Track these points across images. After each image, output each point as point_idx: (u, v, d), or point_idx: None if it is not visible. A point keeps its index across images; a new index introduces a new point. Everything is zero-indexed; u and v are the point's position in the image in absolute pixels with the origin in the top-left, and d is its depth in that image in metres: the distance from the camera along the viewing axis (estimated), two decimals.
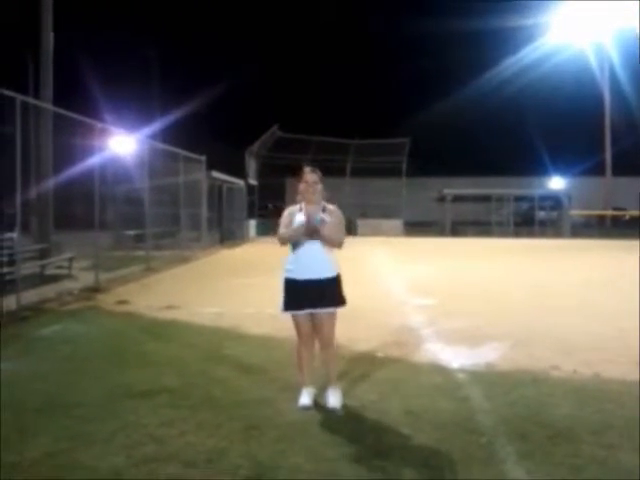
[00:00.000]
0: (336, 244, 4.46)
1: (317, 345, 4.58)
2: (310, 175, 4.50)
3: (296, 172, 4.54)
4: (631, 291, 10.66)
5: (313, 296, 4.39)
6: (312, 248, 4.42)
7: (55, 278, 11.26)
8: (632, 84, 37.66)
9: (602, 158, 36.95)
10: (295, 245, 4.46)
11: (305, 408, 4.34)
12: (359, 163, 35.10)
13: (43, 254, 11.72)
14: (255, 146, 32.52)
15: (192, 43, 46.36)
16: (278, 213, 4.89)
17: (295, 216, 4.47)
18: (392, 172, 35.09)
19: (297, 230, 4.39)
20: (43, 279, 10.79)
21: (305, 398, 4.42)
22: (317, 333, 4.49)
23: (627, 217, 36.76)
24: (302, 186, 4.50)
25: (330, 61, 50.96)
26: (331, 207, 4.55)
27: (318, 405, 4.41)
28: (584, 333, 7.00)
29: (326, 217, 4.44)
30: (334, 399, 4.42)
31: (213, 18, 49.33)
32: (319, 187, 4.52)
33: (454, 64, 46.53)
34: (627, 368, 5.47)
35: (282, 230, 4.47)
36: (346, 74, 51.66)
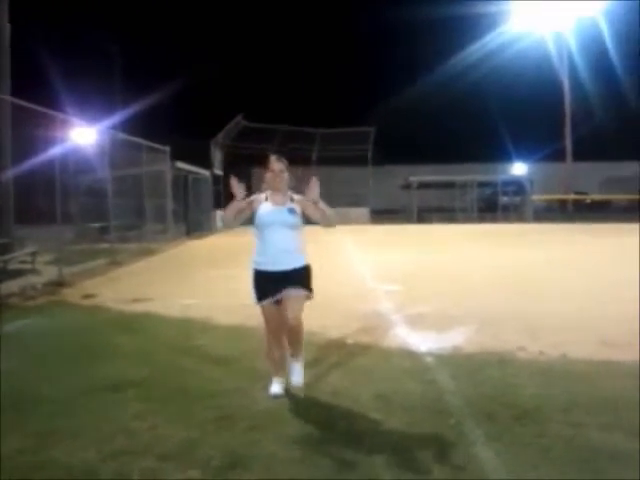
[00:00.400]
0: (332, 221, 4.49)
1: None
2: (277, 164, 4.46)
3: (262, 161, 4.51)
4: (594, 272, 10.94)
5: (280, 283, 4.34)
6: (280, 237, 4.36)
7: (18, 273, 11.04)
8: (590, 72, 38.41)
9: (563, 144, 37.59)
10: (261, 235, 4.39)
11: (276, 396, 4.35)
12: (325, 152, 35.13)
13: (5, 249, 11.47)
14: (220, 136, 32.26)
15: (154, 34, 45.58)
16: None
17: (260, 205, 4.41)
18: (358, 160, 35.23)
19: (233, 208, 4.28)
20: (6, 274, 10.57)
21: (276, 387, 4.43)
22: (285, 315, 4.38)
23: (588, 201, 37.58)
24: (269, 175, 4.45)
25: (294, 50, 50.67)
26: (297, 197, 4.50)
27: (289, 394, 4.42)
28: (549, 315, 7.15)
29: (296, 207, 4.41)
30: (297, 376, 4.51)
31: (175, 8, 48.58)
32: (285, 175, 4.47)
33: (418, 51, 46.70)
34: (593, 348, 5.61)
35: (230, 207, 4.32)
36: (310, 62, 51.49)
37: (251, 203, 4.43)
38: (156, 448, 3.51)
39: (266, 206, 4.40)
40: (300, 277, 4.40)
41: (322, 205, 4.35)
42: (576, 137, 37.77)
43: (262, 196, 4.49)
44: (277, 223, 4.37)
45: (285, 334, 4.52)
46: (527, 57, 38.47)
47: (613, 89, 39.35)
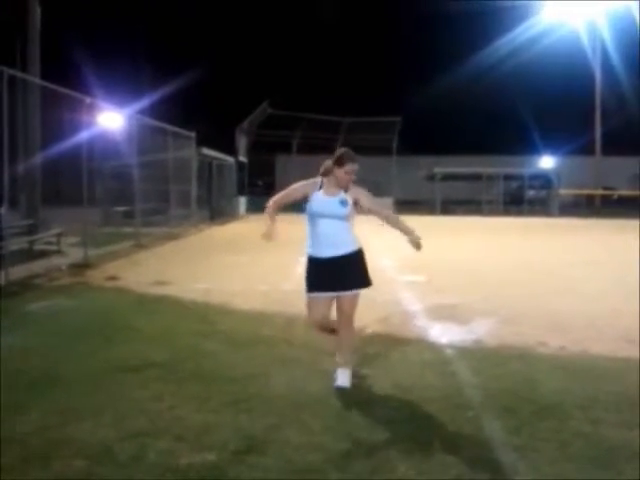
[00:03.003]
0: (384, 214, 4.49)
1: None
2: (355, 165, 4.29)
3: (338, 160, 4.23)
4: (618, 269, 10.76)
5: (338, 276, 4.25)
6: (330, 228, 4.27)
7: (44, 254, 11.20)
8: (623, 63, 37.65)
9: (592, 137, 37.00)
10: (312, 223, 4.32)
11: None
12: (350, 141, 34.94)
13: (31, 230, 11.64)
14: (245, 123, 32.28)
15: (182, 18, 45.69)
16: (268, 190, 4.81)
17: (314, 193, 4.28)
18: (383, 150, 35.02)
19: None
20: (31, 255, 10.73)
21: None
22: (338, 311, 4.35)
23: (616, 197, 36.96)
24: (341, 174, 4.23)
25: (322, 38, 50.42)
26: (353, 187, 4.35)
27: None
28: (572, 311, 7.06)
29: (348, 198, 4.29)
30: (343, 378, 4.28)
31: None
32: (353, 178, 4.32)
33: (446, 43, 46.22)
34: (615, 345, 5.53)
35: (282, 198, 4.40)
36: (339, 51, 51.18)
37: (305, 192, 4.33)
38: (173, 429, 3.54)
39: (318, 195, 4.28)
40: (356, 270, 4.32)
41: (376, 208, 4.39)
42: (606, 131, 37.14)
43: (318, 181, 4.33)
44: (327, 215, 4.27)
45: (336, 334, 4.43)
46: (558, 48, 37.77)
47: None
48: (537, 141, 41.09)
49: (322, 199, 4.27)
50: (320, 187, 4.30)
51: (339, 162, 4.25)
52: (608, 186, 37.23)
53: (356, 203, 4.35)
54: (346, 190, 4.30)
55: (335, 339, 4.50)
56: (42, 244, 11.89)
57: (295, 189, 4.39)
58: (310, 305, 4.39)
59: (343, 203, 4.27)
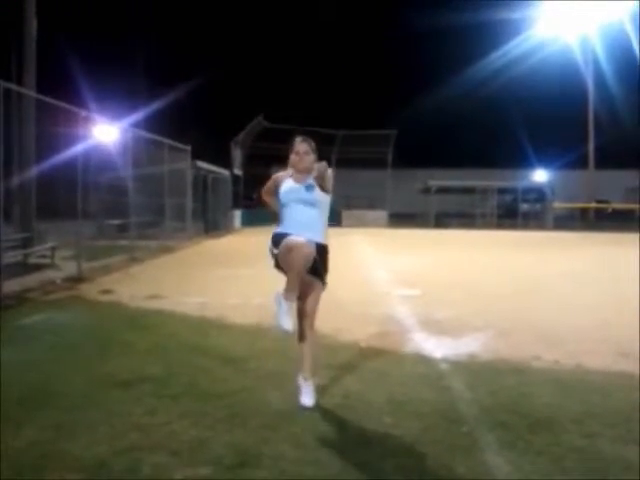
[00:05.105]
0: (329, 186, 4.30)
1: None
2: (302, 145, 4.30)
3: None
4: (612, 283, 10.81)
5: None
6: (300, 215, 4.23)
7: (38, 267, 11.16)
8: (616, 77, 38.01)
9: (585, 151, 37.27)
10: (283, 212, 4.31)
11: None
12: (345, 154, 35.11)
13: (25, 243, 11.61)
14: (240, 136, 32.40)
15: (177, 32, 45.92)
16: (263, 204, 4.84)
17: (283, 181, 4.32)
18: (377, 163, 35.20)
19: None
20: (26, 268, 10.69)
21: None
22: (299, 314, 4.27)
23: (610, 210, 37.17)
24: (293, 156, 4.31)
25: (317, 52, 50.73)
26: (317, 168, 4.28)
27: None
28: (566, 324, 7.08)
29: (314, 182, 4.24)
30: (307, 397, 4.19)
31: (198, 7, 48.93)
32: (311, 158, 4.30)
33: (441, 57, 46.62)
34: (610, 359, 5.54)
35: (265, 194, 4.48)
36: (334, 64, 51.50)
37: (277, 179, 4.38)
38: (168, 444, 3.53)
39: (288, 182, 4.30)
40: (321, 265, 4.24)
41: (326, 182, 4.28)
42: (599, 144, 37.40)
43: (288, 172, 4.35)
44: (293, 199, 4.26)
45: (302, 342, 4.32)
46: (551, 62, 38.23)
47: (639, 95, 38.86)
48: (531, 155, 41.35)
49: (290, 185, 4.29)
50: (290, 176, 4.34)
51: (292, 149, 4.34)
52: (602, 199, 37.44)
53: (322, 187, 4.28)
54: (309, 172, 4.28)
55: (298, 350, 4.38)
56: (36, 257, 11.85)
57: (272, 179, 4.43)
58: (289, 251, 4.03)
59: (309, 188, 4.24)
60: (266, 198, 4.54)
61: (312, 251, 4.08)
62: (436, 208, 34.47)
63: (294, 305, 4.16)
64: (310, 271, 4.16)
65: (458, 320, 7.27)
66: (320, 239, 4.27)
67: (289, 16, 51.14)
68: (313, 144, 4.37)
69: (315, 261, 4.15)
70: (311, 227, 4.23)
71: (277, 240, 4.16)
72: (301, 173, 4.30)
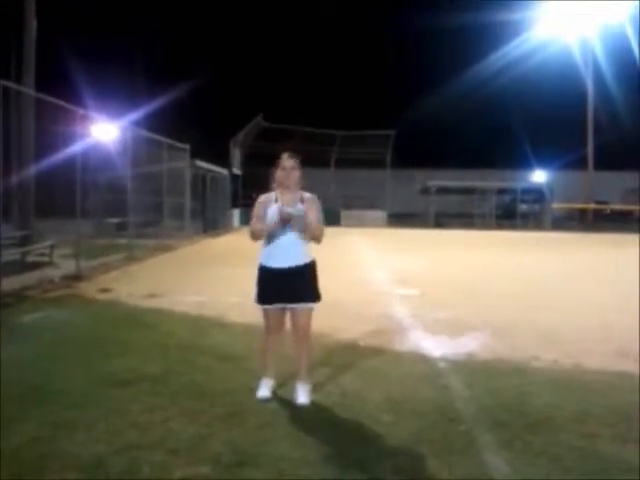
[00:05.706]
0: (316, 236, 4.26)
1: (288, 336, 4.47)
2: (288, 161, 4.33)
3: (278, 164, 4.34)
4: (611, 283, 10.81)
5: (288, 289, 4.22)
6: (286, 239, 4.23)
7: (36, 265, 11.16)
8: (615, 78, 38.04)
9: (584, 152, 37.28)
10: (270, 238, 4.29)
11: (265, 400, 4.24)
12: (344, 154, 35.12)
13: (24, 241, 11.60)
14: (239, 135, 32.40)
15: (177, 30, 45.87)
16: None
17: (269, 206, 4.27)
18: (376, 163, 35.21)
19: (270, 226, 4.21)
20: (24, 266, 10.69)
21: (264, 390, 4.32)
22: (293, 326, 4.34)
23: (609, 211, 37.21)
24: (279, 172, 4.32)
25: (316, 52, 50.71)
26: (308, 195, 4.36)
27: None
28: (565, 324, 7.08)
29: (304, 208, 4.22)
30: (303, 395, 4.24)
31: (198, 6, 48.87)
32: (297, 174, 4.33)
33: (440, 57, 46.69)
34: (608, 359, 5.55)
35: (255, 223, 4.29)
36: (332, 65, 51.52)
37: (263, 204, 4.33)
38: (166, 443, 3.52)
39: (273, 208, 4.23)
40: (308, 284, 4.28)
41: (312, 225, 4.22)
42: (598, 145, 37.42)
43: (272, 196, 4.35)
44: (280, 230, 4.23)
45: (294, 343, 4.42)
46: (551, 63, 38.24)
47: (638, 96, 38.89)
48: (530, 155, 41.36)
49: (275, 212, 4.21)
50: (276, 200, 4.30)
51: (278, 165, 4.35)
52: (601, 200, 37.48)
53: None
54: (295, 188, 4.31)
55: (294, 354, 4.46)
56: (35, 255, 11.85)
57: (257, 206, 4.36)
58: (265, 316, 4.38)
59: (300, 213, 4.20)
60: (258, 226, 4.29)
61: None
62: (435, 208, 34.49)
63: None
64: (293, 300, 4.24)
65: (457, 319, 7.27)
66: (305, 260, 4.30)
67: (289, 16, 51.16)
68: (299, 160, 4.40)
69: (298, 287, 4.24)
70: (295, 253, 4.26)
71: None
72: (287, 189, 4.30)
